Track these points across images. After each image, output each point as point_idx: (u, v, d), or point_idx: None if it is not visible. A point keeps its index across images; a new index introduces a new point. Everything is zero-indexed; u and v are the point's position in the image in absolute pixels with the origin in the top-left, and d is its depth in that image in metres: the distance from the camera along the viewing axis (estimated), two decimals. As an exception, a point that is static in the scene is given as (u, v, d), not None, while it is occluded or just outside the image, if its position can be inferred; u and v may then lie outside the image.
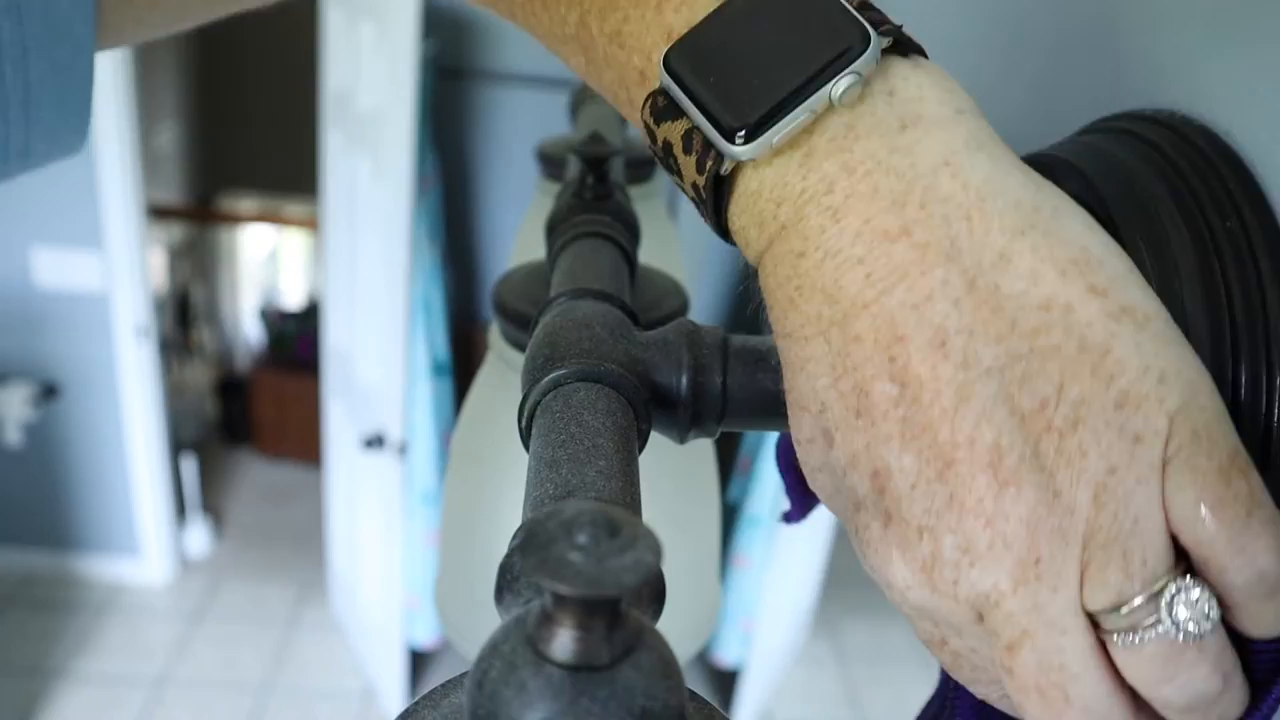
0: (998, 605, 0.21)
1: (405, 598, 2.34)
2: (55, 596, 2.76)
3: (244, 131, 4.09)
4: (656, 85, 0.25)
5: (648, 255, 0.44)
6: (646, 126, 0.25)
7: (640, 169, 0.61)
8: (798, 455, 0.25)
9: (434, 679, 2.55)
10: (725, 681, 2.55)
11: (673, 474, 0.45)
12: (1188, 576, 0.21)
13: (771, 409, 0.31)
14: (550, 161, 0.61)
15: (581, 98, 0.66)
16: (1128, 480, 0.20)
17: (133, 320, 2.50)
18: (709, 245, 2.15)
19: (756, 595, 2.34)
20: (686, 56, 0.23)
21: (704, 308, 2.56)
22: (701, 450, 0.48)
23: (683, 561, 0.48)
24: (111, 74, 2.24)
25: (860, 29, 0.22)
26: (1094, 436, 0.20)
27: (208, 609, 2.82)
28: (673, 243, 0.64)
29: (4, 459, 2.65)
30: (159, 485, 2.73)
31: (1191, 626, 0.20)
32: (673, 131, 0.24)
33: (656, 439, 0.30)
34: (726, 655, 2.48)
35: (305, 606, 2.86)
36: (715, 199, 0.24)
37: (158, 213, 3.49)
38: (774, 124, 0.22)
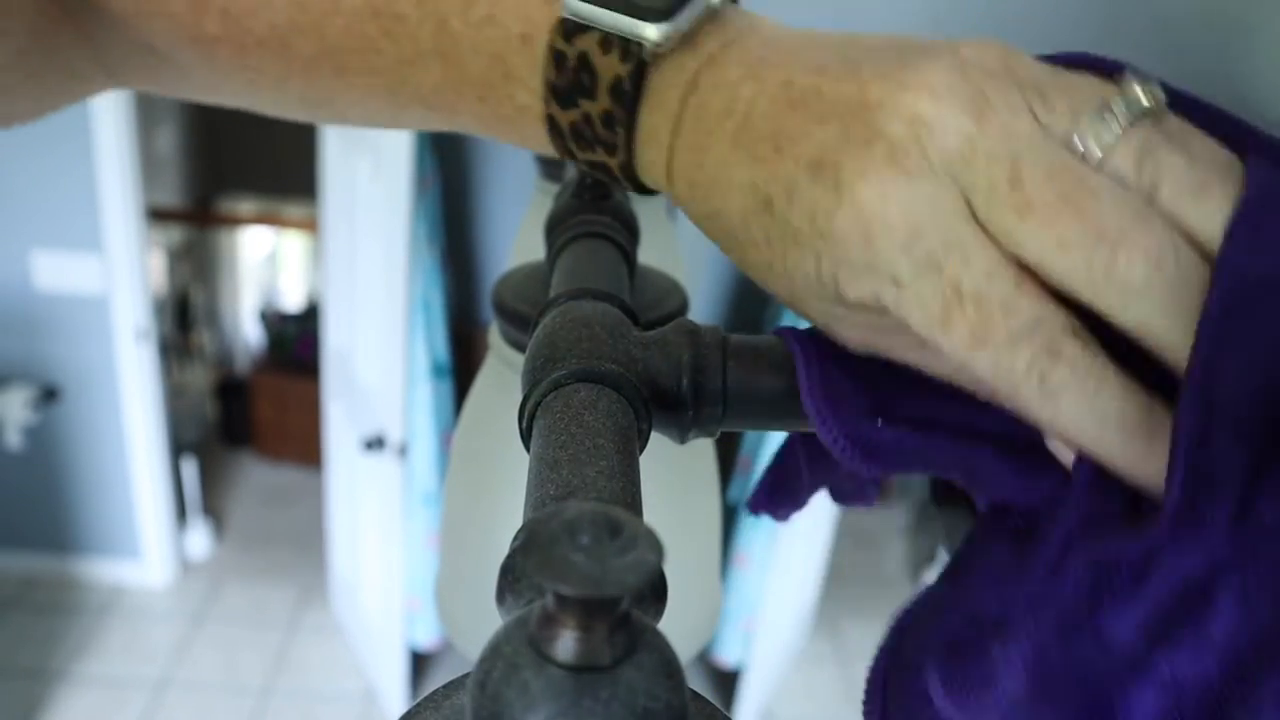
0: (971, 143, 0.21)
1: (406, 599, 2.34)
2: (56, 599, 2.76)
3: (243, 133, 4.09)
4: (546, 38, 0.27)
5: (648, 255, 0.44)
6: (555, 54, 0.27)
7: (640, 169, 0.61)
8: (750, 264, 0.26)
9: (435, 680, 2.55)
10: (726, 681, 2.55)
11: (673, 474, 0.45)
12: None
13: (773, 409, 0.31)
14: (549, 161, 0.61)
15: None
16: None
17: (133, 323, 2.50)
18: (709, 245, 2.15)
19: (757, 595, 2.34)
20: None
21: (704, 308, 2.56)
22: (702, 450, 0.48)
23: (684, 561, 0.48)
24: (110, 76, 2.24)
25: None
26: None
27: (208, 611, 2.82)
28: (673, 243, 0.64)
29: (4, 462, 2.65)
30: (159, 487, 2.73)
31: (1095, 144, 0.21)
32: (587, 41, 0.26)
33: (657, 439, 0.30)
34: (727, 655, 2.48)
35: (306, 608, 2.86)
36: (634, 93, 0.26)
37: (157, 215, 3.49)
38: (684, 7, 0.25)
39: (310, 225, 3.81)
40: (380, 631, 2.43)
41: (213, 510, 3.26)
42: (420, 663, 2.58)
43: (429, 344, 2.30)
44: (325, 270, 2.48)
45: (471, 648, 0.46)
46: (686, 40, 0.26)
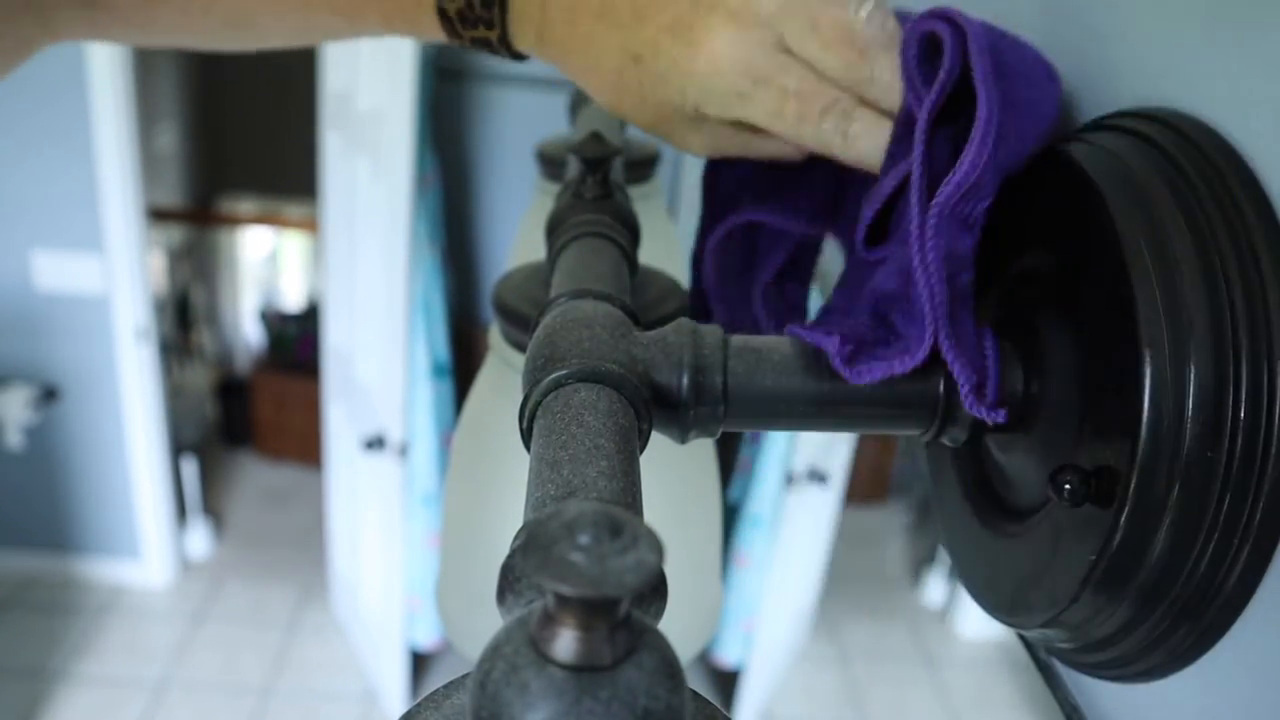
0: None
1: (406, 599, 2.34)
2: (56, 599, 2.76)
3: (244, 133, 4.09)
4: None
5: (648, 255, 0.44)
6: None
7: (640, 169, 0.61)
8: (622, 105, 0.37)
9: (435, 680, 2.55)
10: (726, 681, 2.55)
11: (674, 474, 0.45)
12: None
13: (773, 408, 0.31)
14: (550, 162, 0.61)
15: (581, 98, 0.66)
16: None
17: (133, 322, 2.50)
18: (709, 245, 2.15)
19: (757, 595, 2.34)
20: None
21: (704, 308, 2.56)
22: (702, 450, 0.48)
23: (684, 561, 0.48)
24: (111, 76, 2.24)
25: None
26: None
27: (209, 611, 2.82)
28: (673, 243, 0.64)
29: (5, 462, 2.65)
30: (159, 487, 2.73)
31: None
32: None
33: (657, 439, 0.30)
34: (727, 655, 2.48)
35: (306, 608, 2.86)
36: None
37: (158, 215, 3.49)
38: None
39: (310, 225, 3.81)
40: (380, 631, 2.43)
41: (213, 510, 3.26)
42: (420, 663, 2.58)
43: (429, 344, 2.30)
44: (325, 270, 2.48)
45: (471, 648, 0.46)
46: None
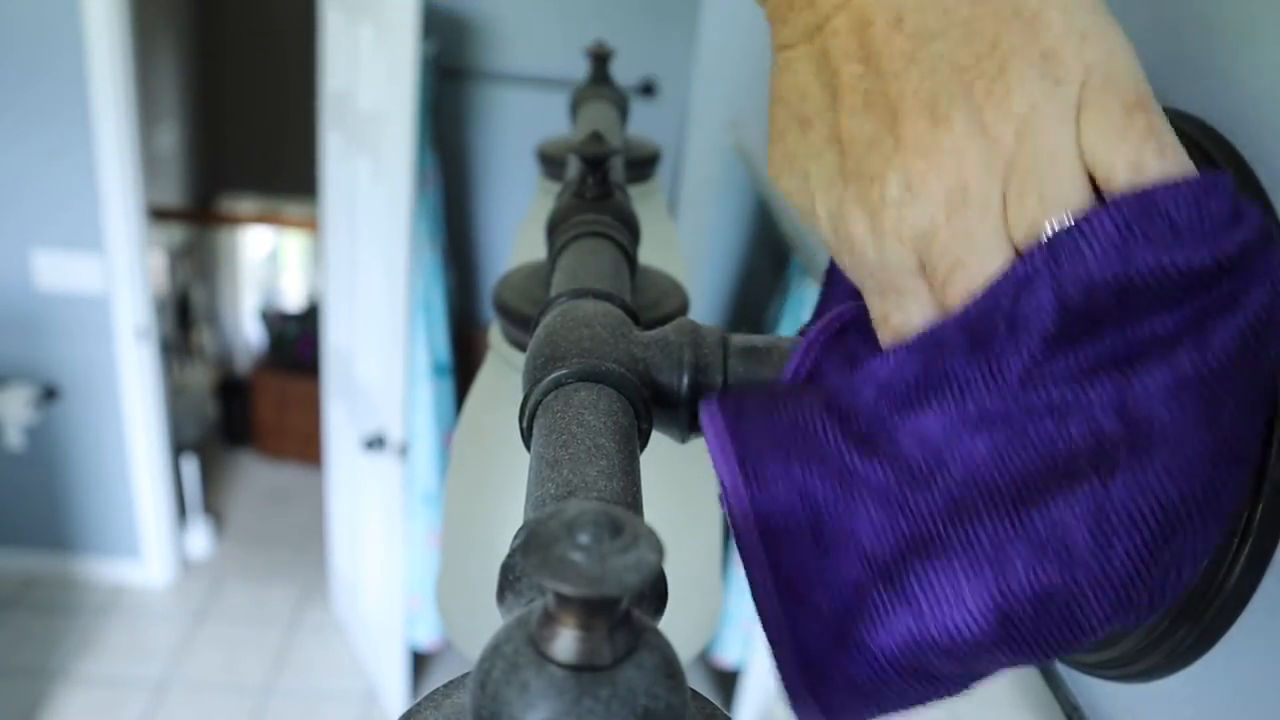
0: (934, 238, 0.24)
1: (406, 598, 2.34)
2: (56, 598, 2.76)
3: (244, 133, 4.09)
4: None
5: (648, 255, 0.44)
6: None
7: (641, 169, 0.61)
8: (770, 154, 0.29)
9: (435, 680, 2.55)
10: (726, 681, 2.55)
11: (674, 473, 0.45)
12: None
13: (772, 408, 0.31)
14: (550, 161, 0.61)
15: (582, 97, 0.66)
16: (1047, 117, 0.23)
17: (133, 322, 2.50)
18: (709, 245, 2.15)
19: (758, 595, 2.34)
20: None
21: (704, 308, 2.56)
22: (702, 450, 0.48)
23: (685, 561, 0.48)
24: (111, 75, 2.24)
25: None
26: (1019, 79, 0.23)
27: (209, 610, 2.82)
28: (673, 243, 0.64)
29: (5, 461, 2.65)
30: (160, 487, 2.73)
31: None
32: None
33: (658, 438, 0.30)
34: (728, 655, 2.48)
35: (306, 607, 2.86)
36: None
37: (158, 215, 3.49)
38: None
39: (311, 225, 3.81)
40: (380, 631, 2.43)
41: (213, 510, 3.26)
42: (420, 662, 2.58)
43: (429, 344, 2.30)
44: (325, 270, 2.48)
45: (472, 647, 0.46)
46: None
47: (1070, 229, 0.23)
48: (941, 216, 0.24)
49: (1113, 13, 0.24)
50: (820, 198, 0.27)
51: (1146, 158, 0.23)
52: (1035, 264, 0.23)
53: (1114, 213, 0.22)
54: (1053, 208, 0.23)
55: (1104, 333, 0.23)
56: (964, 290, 0.24)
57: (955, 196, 0.24)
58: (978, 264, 0.24)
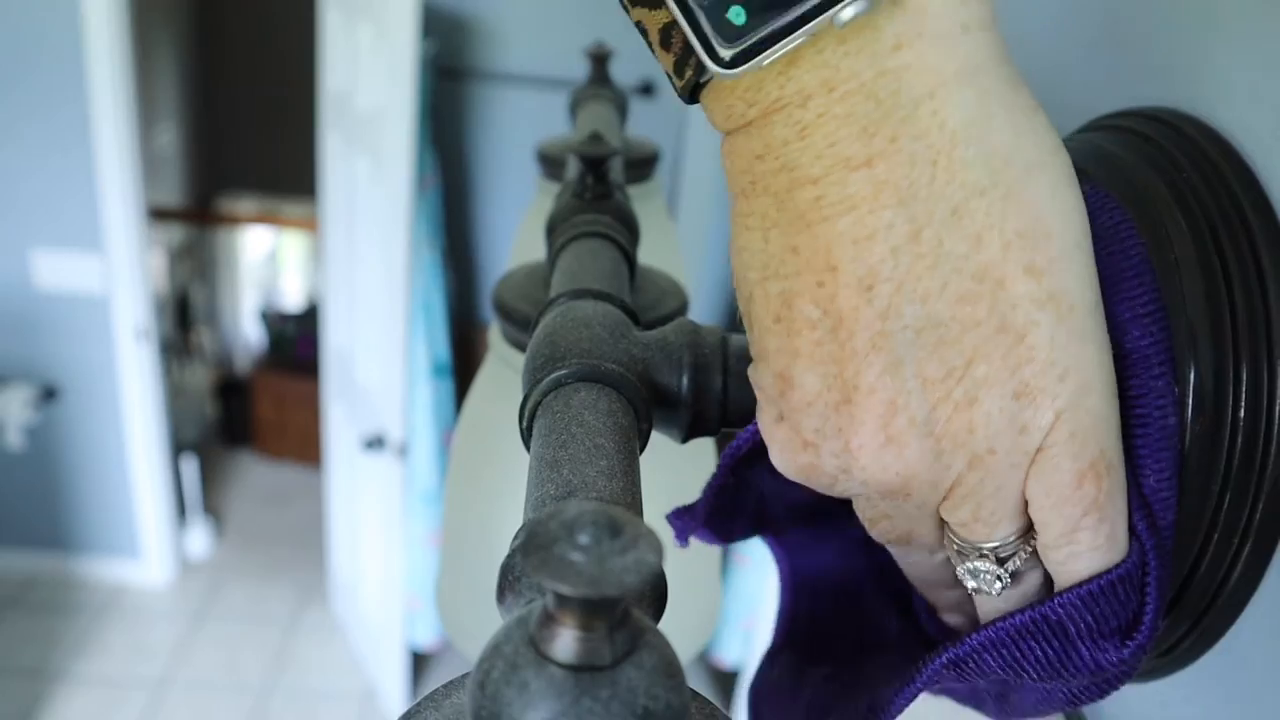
0: (870, 499, 0.25)
1: (406, 598, 2.34)
2: (56, 598, 2.76)
3: (243, 133, 4.09)
4: None
5: (648, 255, 0.44)
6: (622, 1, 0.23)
7: (640, 169, 0.61)
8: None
9: (435, 680, 2.55)
10: (726, 681, 2.55)
11: (674, 474, 0.45)
12: (999, 556, 0.25)
13: (772, 408, 0.31)
14: (550, 161, 0.61)
15: (581, 97, 0.66)
16: (1003, 462, 0.23)
17: (133, 322, 2.50)
18: (709, 245, 2.15)
19: (757, 595, 2.34)
20: None
21: (704, 308, 2.56)
22: (702, 450, 0.48)
23: (684, 561, 0.48)
24: (111, 75, 2.24)
25: None
26: (985, 419, 0.22)
27: (208, 610, 2.82)
28: (673, 243, 0.64)
29: (4, 461, 2.65)
30: (159, 487, 2.73)
31: (974, 584, 0.25)
32: (650, 20, 0.22)
33: (657, 439, 0.30)
34: (727, 655, 2.48)
35: (306, 607, 2.86)
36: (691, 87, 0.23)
37: (158, 214, 3.49)
38: (766, 51, 0.20)
39: (310, 224, 3.81)
40: (380, 631, 2.43)
41: (213, 510, 3.25)
42: (420, 662, 2.58)
43: (429, 344, 2.30)
44: (325, 270, 2.48)
45: (471, 647, 0.46)
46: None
47: (971, 653, 0.25)
48: (880, 504, 0.25)
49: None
50: (755, 381, 0.27)
51: (1080, 533, 0.23)
52: (937, 670, 0.26)
53: (1008, 628, 0.25)
54: (981, 529, 0.24)
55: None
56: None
57: (895, 496, 0.24)
58: (914, 533, 0.26)
